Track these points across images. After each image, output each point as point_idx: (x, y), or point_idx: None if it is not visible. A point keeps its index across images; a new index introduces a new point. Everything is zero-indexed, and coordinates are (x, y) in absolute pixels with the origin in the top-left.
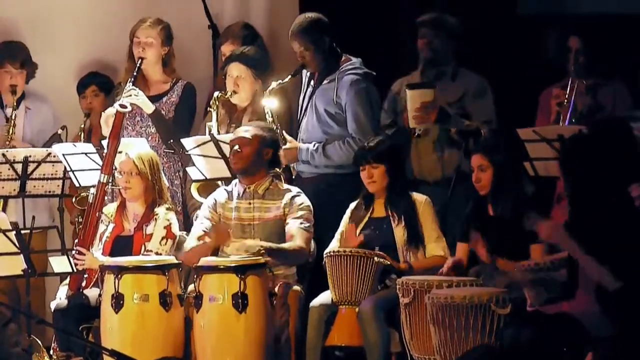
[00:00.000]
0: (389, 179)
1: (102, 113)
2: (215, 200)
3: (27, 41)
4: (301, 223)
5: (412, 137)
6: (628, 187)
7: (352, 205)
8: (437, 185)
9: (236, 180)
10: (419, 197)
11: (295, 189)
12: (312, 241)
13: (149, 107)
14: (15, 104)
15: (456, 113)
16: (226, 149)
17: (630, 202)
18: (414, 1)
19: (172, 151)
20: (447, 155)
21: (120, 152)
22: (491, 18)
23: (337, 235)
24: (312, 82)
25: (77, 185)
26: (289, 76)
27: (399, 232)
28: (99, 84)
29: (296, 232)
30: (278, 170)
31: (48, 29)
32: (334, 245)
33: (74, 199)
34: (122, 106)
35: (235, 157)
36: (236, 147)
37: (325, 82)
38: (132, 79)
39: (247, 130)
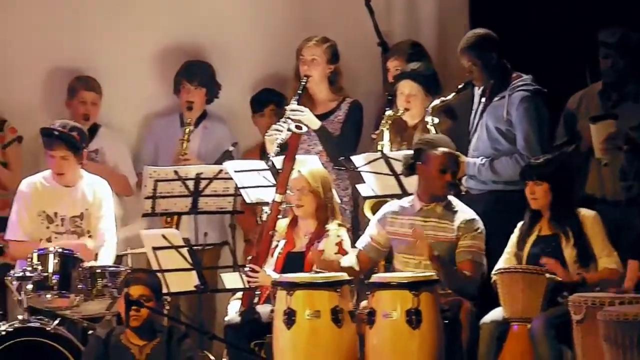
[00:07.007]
0: (553, 197)
1: (268, 130)
2: (385, 216)
3: (212, 64)
4: (474, 254)
5: (601, 166)
6: None
7: (520, 224)
8: (616, 206)
9: (414, 197)
10: (587, 213)
11: (471, 212)
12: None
13: (314, 124)
14: (192, 121)
15: None
16: (397, 166)
17: None
18: (592, 16)
19: (343, 168)
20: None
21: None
22: None
23: (506, 255)
24: (482, 99)
25: (247, 201)
26: (453, 94)
27: (569, 251)
28: (277, 102)
29: (469, 264)
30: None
31: (227, 52)
32: (503, 262)
33: (258, 219)
34: (297, 127)
35: (448, 182)
36: (445, 171)
37: (495, 99)
38: (297, 97)
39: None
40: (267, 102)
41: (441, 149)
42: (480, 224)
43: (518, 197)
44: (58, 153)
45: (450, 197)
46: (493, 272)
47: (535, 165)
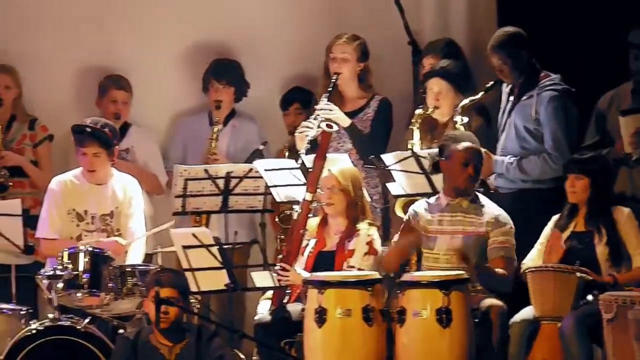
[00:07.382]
0: (591, 193)
1: (298, 127)
2: (416, 212)
3: (241, 62)
4: (507, 250)
5: (628, 162)
6: None
7: (555, 217)
8: None
9: (440, 194)
10: (620, 210)
11: (498, 208)
12: None
13: (344, 121)
14: (221, 120)
15: None
16: (427, 164)
17: None
18: (621, 15)
19: (373, 167)
20: None
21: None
22: None
23: (538, 246)
24: (511, 98)
25: (277, 200)
26: (481, 93)
27: (601, 249)
28: (302, 101)
29: (502, 262)
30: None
31: (256, 50)
32: (532, 258)
33: (276, 218)
34: (329, 126)
35: (470, 176)
36: (468, 165)
37: (524, 98)
38: (327, 95)
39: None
40: (292, 100)
41: (463, 144)
42: (509, 219)
43: (546, 195)
44: (90, 150)
45: (477, 193)
46: (523, 267)
47: (579, 159)
